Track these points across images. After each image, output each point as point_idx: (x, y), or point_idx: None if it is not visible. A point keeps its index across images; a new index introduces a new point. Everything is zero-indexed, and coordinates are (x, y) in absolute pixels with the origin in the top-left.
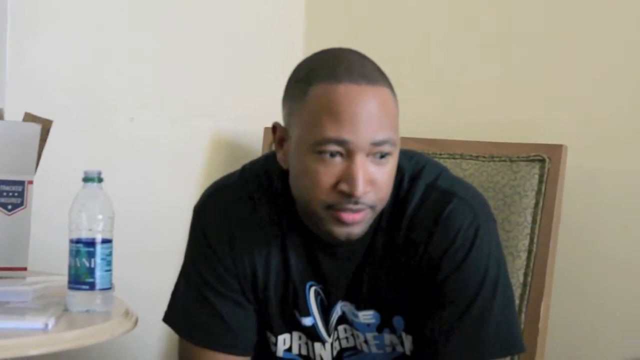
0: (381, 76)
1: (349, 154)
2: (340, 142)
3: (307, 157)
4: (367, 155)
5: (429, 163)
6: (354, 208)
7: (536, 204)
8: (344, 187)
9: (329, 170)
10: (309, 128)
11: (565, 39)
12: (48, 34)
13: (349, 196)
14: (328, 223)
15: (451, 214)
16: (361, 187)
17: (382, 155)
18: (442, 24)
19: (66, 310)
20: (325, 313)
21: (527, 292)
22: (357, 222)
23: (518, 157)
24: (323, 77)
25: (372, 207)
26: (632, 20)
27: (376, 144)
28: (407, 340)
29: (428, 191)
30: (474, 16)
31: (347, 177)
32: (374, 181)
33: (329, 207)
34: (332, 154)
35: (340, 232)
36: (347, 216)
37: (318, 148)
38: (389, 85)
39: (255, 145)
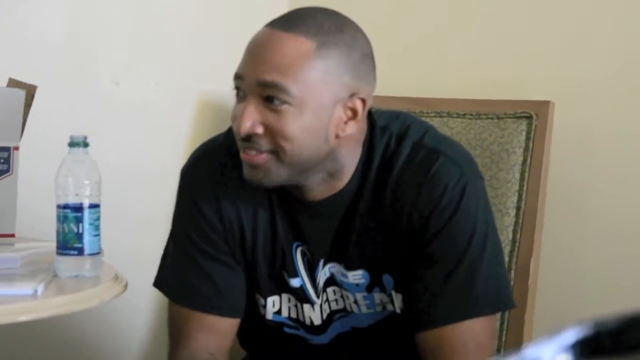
0: (312, 29)
1: (245, 94)
2: (237, 77)
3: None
4: (260, 98)
5: (415, 122)
6: (245, 146)
7: (524, 161)
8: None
9: (236, 109)
10: None
11: None
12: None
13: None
14: (243, 165)
15: (438, 171)
16: (243, 125)
17: (273, 102)
18: None
19: (55, 276)
20: (312, 274)
21: (516, 249)
22: (256, 165)
23: (505, 114)
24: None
25: (274, 153)
26: None
27: (262, 84)
28: (397, 299)
29: (415, 150)
30: None
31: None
32: (268, 126)
33: (240, 147)
34: (238, 93)
35: (247, 174)
36: (244, 156)
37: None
38: (318, 40)
39: None
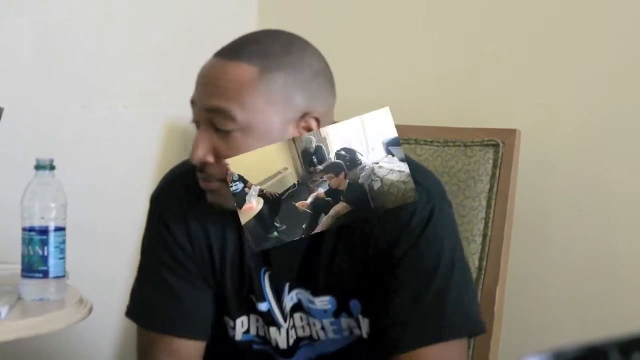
0: (255, 55)
1: (198, 123)
2: (191, 105)
3: None
4: (210, 125)
5: None
6: (201, 176)
7: (490, 189)
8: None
9: (194, 140)
10: None
11: (517, 22)
12: None
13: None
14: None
15: None
16: (196, 155)
17: (217, 127)
18: (396, 8)
19: (20, 298)
20: (279, 298)
21: (482, 276)
22: (211, 191)
23: (472, 141)
24: None
25: (224, 181)
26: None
27: (208, 109)
28: (365, 324)
29: None
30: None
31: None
32: (218, 155)
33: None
34: (195, 124)
35: (209, 198)
36: (201, 182)
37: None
38: (260, 65)
39: None
